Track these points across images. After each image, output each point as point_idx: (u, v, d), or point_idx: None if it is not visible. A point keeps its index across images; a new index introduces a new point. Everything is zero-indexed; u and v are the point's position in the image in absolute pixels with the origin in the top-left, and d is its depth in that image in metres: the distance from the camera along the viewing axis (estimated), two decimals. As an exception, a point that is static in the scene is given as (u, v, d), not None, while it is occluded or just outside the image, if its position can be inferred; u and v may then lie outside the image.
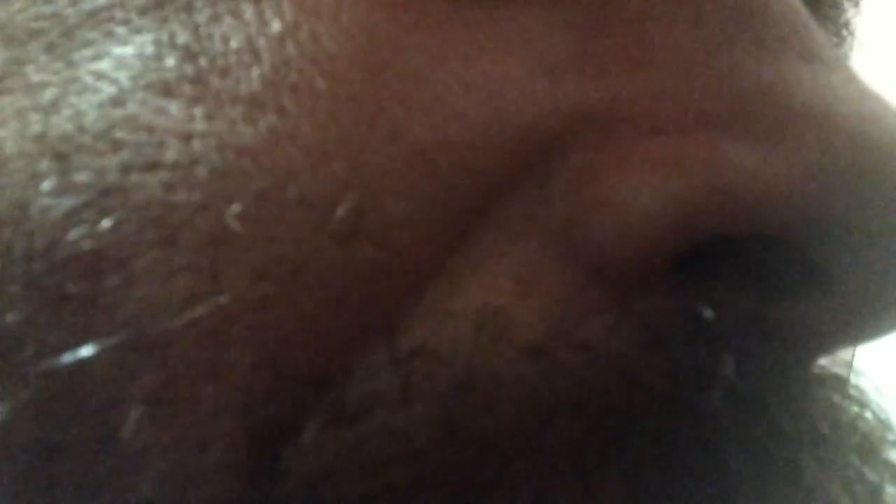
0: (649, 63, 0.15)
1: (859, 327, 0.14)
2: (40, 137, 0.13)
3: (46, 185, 0.13)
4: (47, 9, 0.14)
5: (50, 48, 0.14)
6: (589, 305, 0.13)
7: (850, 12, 0.22)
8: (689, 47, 0.15)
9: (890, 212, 0.13)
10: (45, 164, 0.13)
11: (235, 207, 0.12)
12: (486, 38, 0.14)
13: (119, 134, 0.13)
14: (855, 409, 0.15)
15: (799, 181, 0.13)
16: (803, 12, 0.15)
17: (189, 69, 0.13)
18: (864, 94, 0.14)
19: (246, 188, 0.13)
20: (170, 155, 0.13)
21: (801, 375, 0.14)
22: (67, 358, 0.12)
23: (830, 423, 0.14)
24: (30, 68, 0.14)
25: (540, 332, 0.13)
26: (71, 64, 0.14)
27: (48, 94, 0.14)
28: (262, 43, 0.13)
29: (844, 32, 0.22)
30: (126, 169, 0.13)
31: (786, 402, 0.14)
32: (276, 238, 0.13)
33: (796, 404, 0.14)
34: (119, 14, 0.14)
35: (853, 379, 0.15)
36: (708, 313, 0.14)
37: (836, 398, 0.15)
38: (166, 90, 0.13)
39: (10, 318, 0.13)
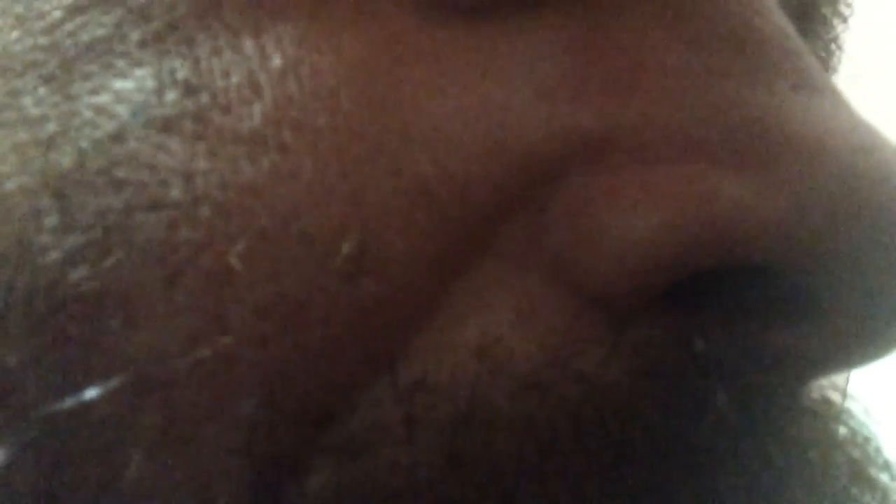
0: (643, 89, 0.15)
1: (850, 354, 0.14)
2: (40, 173, 0.13)
3: (48, 223, 0.13)
4: (45, 40, 0.14)
5: (48, 80, 0.14)
6: (584, 335, 0.14)
7: (839, 28, 0.22)
8: (683, 74, 0.15)
9: (879, 242, 0.13)
10: (45, 201, 0.13)
11: (238, 246, 0.13)
12: (483, 64, 0.15)
13: (120, 172, 0.13)
14: (844, 431, 0.15)
15: (791, 214, 0.13)
16: (794, 37, 0.16)
17: (190, 105, 0.13)
18: (855, 123, 0.14)
19: (249, 227, 0.13)
20: (172, 194, 0.13)
21: (792, 401, 0.14)
22: (69, 400, 0.12)
23: (820, 448, 0.15)
24: (27, 100, 0.14)
25: (538, 362, 0.13)
26: (70, 97, 0.14)
27: (47, 129, 0.14)
28: (263, 78, 0.13)
29: (833, 48, 0.22)
30: (128, 208, 0.13)
31: (776, 430, 0.14)
32: (278, 276, 0.13)
33: (787, 431, 0.14)
34: (118, 47, 0.14)
35: (843, 402, 0.15)
36: (700, 343, 0.14)
37: (827, 422, 0.15)
38: (167, 126, 0.13)
39: (11, 359, 0.13)
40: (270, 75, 0.14)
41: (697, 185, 0.14)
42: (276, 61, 0.14)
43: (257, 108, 0.13)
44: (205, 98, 0.13)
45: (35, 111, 0.14)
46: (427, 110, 0.14)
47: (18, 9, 0.15)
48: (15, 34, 0.15)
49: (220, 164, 0.13)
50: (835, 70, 0.23)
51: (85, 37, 0.14)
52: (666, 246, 0.14)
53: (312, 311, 0.13)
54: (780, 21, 0.16)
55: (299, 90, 0.13)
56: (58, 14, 0.14)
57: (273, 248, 0.13)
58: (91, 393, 0.12)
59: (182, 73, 0.14)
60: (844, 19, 0.22)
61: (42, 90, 0.14)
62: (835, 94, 0.15)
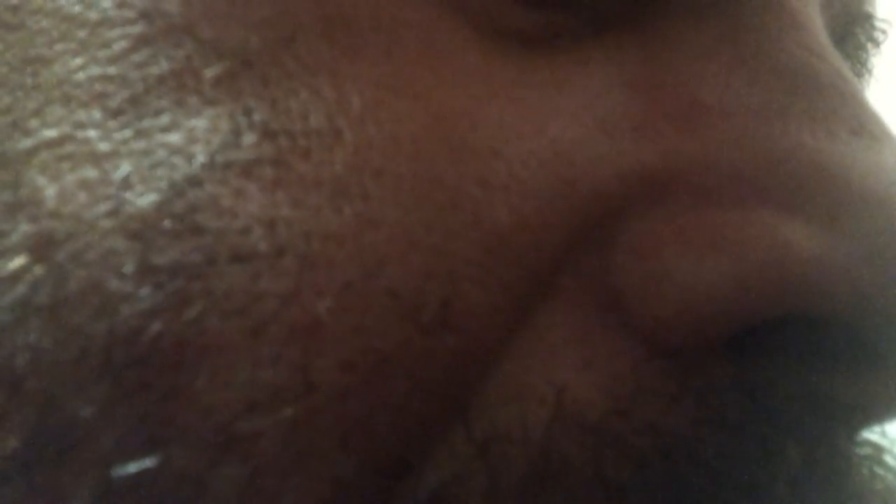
0: (704, 127, 0.15)
1: None
2: (113, 214, 0.13)
3: (126, 269, 0.13)
4: (112, 70, 0.14)
5: (116, 114, 0.14)
6: (648, 382, 0.14)
7: (872, 53, 0.22)
8: (743, 114, 0.15)
9: None
10: (121, 244, 0.13)
11: (325, 299, 0.12)
12: (552, 101, 0.14)
13: (200, 217, 0.13)
14: (891, 478, 0.16)
15: (860, 268, 0.14)
16: (851, 79, 0.16)
17: (269, 149, 0.13)
18: None
19: (334, 278, 0.13)
20: (255, 243, 0.13)
21: (852, 450, 0.15)
22: (147, 454, 0.12)
23: (868, 494, 0.15)
24: (93, 134, 0.14)
25: (604, 411, 0.14)
26: (141, 133, 0.13)
27: (119, 167, 0.13)
28: (342, 122, 0.13)
29: (864, 71, 0.22)
30: (211, 256, 0.12)
31: (839, 479, 0.14)
32: (364, 329, 0.13)
33: (847, 479, 0.15)
34: (190, 82, 0.13)
35: (888, 446, 0.16)
36: (764, 392, 0.14)
37: (874, 468, 0.15)
38: (247, 171, 0.13)
39: (86, 409, 0.12)
40: (350, 119, 0.13)
41: (768, 235, 0.14)
42: (355, 104, 0.13)
43: (338, 154, 0.13)
44: (284, 142, 0.13)
45: (104, 146, 0.13)
46: (505, 155, 0.14)
47: (81, 34, 0.14)
48: (77, 61, 0.14)
49: (302, 212, 0.13)
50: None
51: (154, 70, 0.14)
52: (735, 296, 0.14)
53: (395, 364, 0.13)
54: (837, 62, 0.16)
55: (379, 135, 0.13)
56: (124, 44, 0.14)
57: (359, 302, 0.13)
58: (170, 447, 0.12)
59: (259, 115, 0.13)
60: (878, 44, 0.22)
61: (111, 124, 0.13)
62: (892, 142, 0.15)
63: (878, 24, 0.21)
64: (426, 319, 0.13)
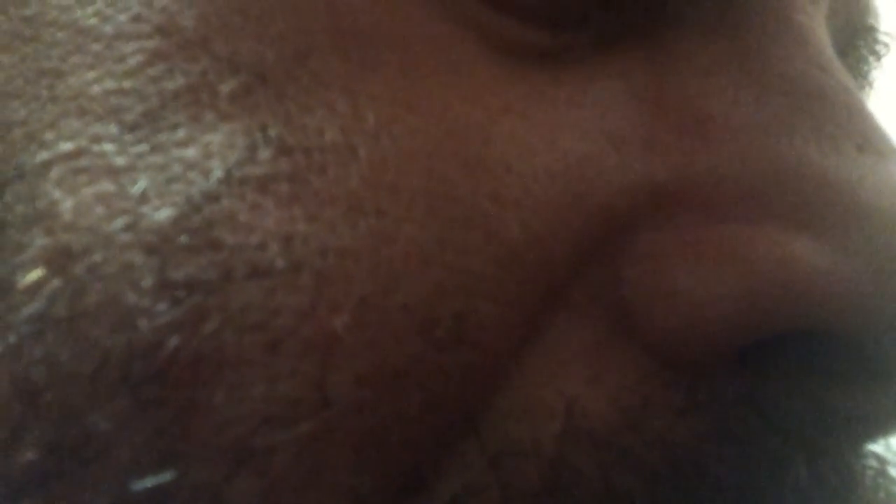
0: (712, 142, 0.15)
1: None
2: (130, 228, 0.13)
3: (144, 284, 0.13)
4: (127, 83, 0.14)
5: (133, 128, 0.14)
6: (656, 394, 0.14)
7: (873, 65, 0.23)
8: (751, 129, 0.15)
9: None
10: (138, 258, 0.13)
11: (341, 314, 0.13)
12: (563, 115, 0.15)
13: (217, 232, 0.13)
14: (895, 490, 0.16)
15: (866, 283, 0.14)
16: (857, 94, 0.16)
17: (285, 164, 0.13)
18: None
19: (350, 293, 0.13)
20: (271, 258, 0.13)
21: (857, 461, 0.15)
22: (164, 466, 0.12)
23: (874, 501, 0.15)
24: (109, 148, 0.14)
25: (612, 423, 0.14)
26: (157, 148, 0.13)
27: (136, 182, 0.13)
28: (357, 138, 0.13)
29: (865, 83, 0.23)
30: (227, 271, 0.13)
31: (844, 489, 0.15)
32: (379, 344, 0.13)
33: (853, 489, 0.15)
34: (205, 97, 0.14)
35: (893, 459, 0.16)
36: (771, 404, 0.14)
37: (879, 480, 0.16)
38: (263, 186, 0.13)
39: (104, 422, 0.12)
40: (365, 134, 0.13)
41: (775, 250, 0.14)
42: (370, 120, 0.13)
43: (353, 170, 0.13)
44: (299, 157, 0.13)
45: (120, 160, 0.13)
46: (517, 170, 0.14)
47: (96, 47, 0.14)
48: (93, 74, 0.14)
49: (318, 227, 0.13)
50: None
51: (170, 84, 0.14)
52: (743, 310, 0.14)
53: (409, 379, 0.13)
54: (843, 77, 0.16)
55: (394, 150, 0.13)
56: (140, 58, 0.14)
57: (374, 317, 0.13)
58: (187, 460, 0.12)
59: (275, 131, 0.13)
60: (879, 57, 0.22)
61: (127, 138, 0.14)
62: None
63: (880, 36, 0.22)
64: (440, 334, 0.13)
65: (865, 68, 0.22)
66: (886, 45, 0.22)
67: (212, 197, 0.13)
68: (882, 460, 0.16)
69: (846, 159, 0.15)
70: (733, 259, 0.14)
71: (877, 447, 0.16)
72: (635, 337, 0.14)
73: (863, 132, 0.15)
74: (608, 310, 0.14)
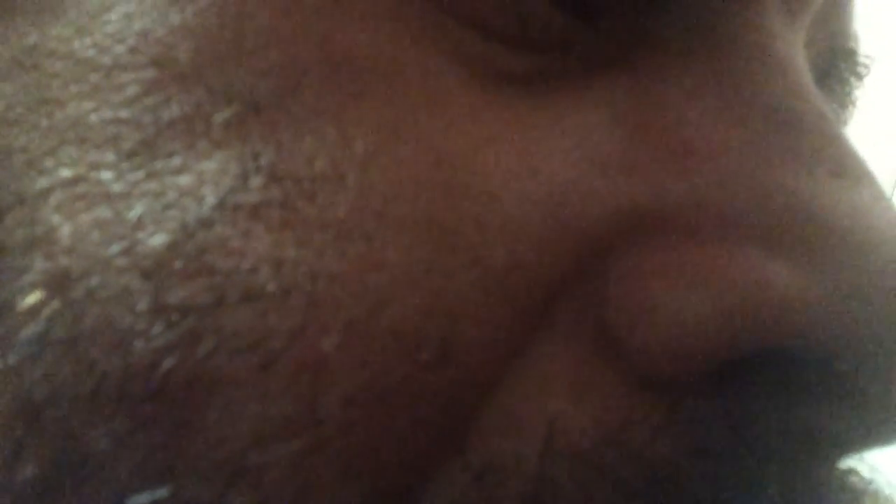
0: (692, 167, 0.15)
1: (882, 434, 0.15)
2: (127, 253, 0.14)
3: (139, 307, 0.13)
4: (124, 113, 0.14)
5: (129, 156, 0.14)
6: (636, 411, 0.14)
7: (855, 85, 0.23)
8: (729, 154, 0.16)
9: None
10: (134, 282, 0.13)
11: (330, 337, 0.13)
12: (547, 142, 0.15)
13: (210, 258, 0.13)
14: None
15: (836, 306, 0.14)
16: (832, 120, 0.16)
17: (276, 192, 0.14)
18: (893, 213, 0.15)
19: (338, 317, 0.13)
20: (263, 283, 0.13)
21: (829, 477, 0.16)
22: (160, 483, 0.13)
23: None
24: (107, 175, 0.14)
25: (595, 440, 0.14)
26: (153, 175, 0.14)
27: (132, 208, 0.14)
28: (346, 166, 0.14)
29: (847, 102, 0.23)
30: (220, 295, 0.13)
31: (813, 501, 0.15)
32: (367, 365, 0.13)
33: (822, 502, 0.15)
34: (200, 126, 0.14)
35: (867, 473, 0.17)
36: (747, 422, 0.15)
37: (857, 497, 0.16)
38: (254, 213, 0.14)
39: (102, 441, 0.13)
40: (353, 163, 0.14)
41: (750, 272, 0.14)
42: (359, 148, 0.14)
43: (342, 197, 0.14)
44: (290, 185, 0.14)
45: (117, 187, 0.14)
46: (500, 197, 0.14)
47: (95, 77, 0.15)
48: (91, 103, 0.15)
49: (308, 253, 0.13)
50: (846, 124, 0.24)
51: (166, 114, 0.14)
52: (719, 330, 0.14)
53: (397, 398, 0.13)
54: (820, 104, 0.16)
55: (382, 179, 0.14)
56: (137, 88, 0.14)
57: (362, 340, 0.13)
58: (182, 477, 0.13)
59: (266, 159, 0.14)
60: (861, 78, 0.23)
61: (124, 166, 0.14)
62: (872, 183, 0.16)
63: (861, 59, 0.22)
64: (426, 356, 0.13)
65: (847, 89, 0.23)
66: (867, 67, 0.23)
67: (205, 223, 0.13)
68: (860, 477, 0.16)
69: (820, 184, 0.15)
70: (710, 280, 0.15)
71: (862, 466, 0.17)
72: (617, 356, 0.15)
73: (837, 158, 0.16)
74: (591, 330, 0.15)
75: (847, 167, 0.16)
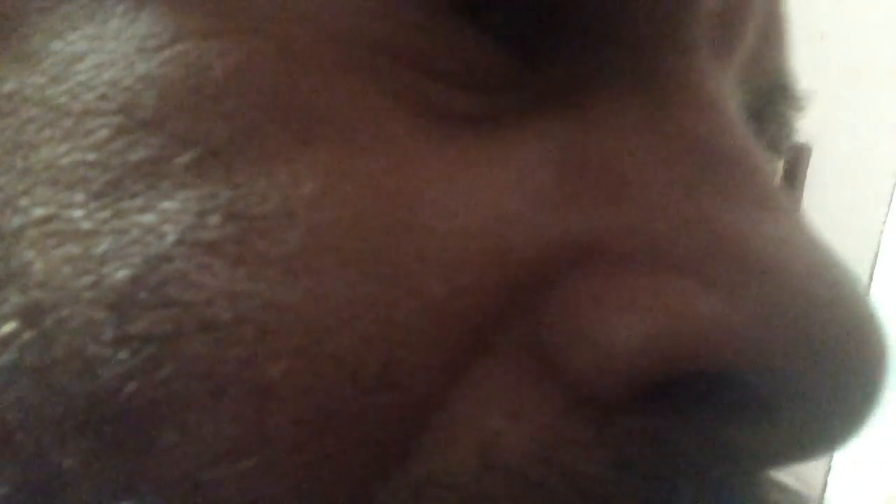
0: (625, 200, 0.17)
1: (800, 450, 0.17)
2: (94, 286, 0.15)
3: (104, 337, 0.14)
4: (93, 156, 0.16)
5: (98, 196, 0.15)
6: (569, 430, 0.16)
7: (793, 117, 0.24)
8: (660, 188, 0.17)
9: (826, 357, 0.16)
10: (101, 315, 0.14)
11: (279, 363, 0.14)
12: (489, 178, 0.16)
13: (170, 290, 0.14)
14: None
15: (755, 330, 0.15)
16: (756, 154, 0.18)
17: (231, 229, 0.15)
18: (811, 244, 0.17)
19: (287, 345, 0.14)
20: (218, 313, 0.14)
21: (751, 492, 0.17)
22: (124, 502, 0.14)
23: None
24: (77, 214, 0.15)
25: (531, 458, 0.15)
26: (119, 214, 0.15)
27: (100, 245, 0.15)
28: (296, 205, 0.15)
29: (788, 132, 0.25)
30: (178, 326, 0.14)
31: None
32: (313, 391, 0.14)
33: None
34: (163, 169, 0.15)
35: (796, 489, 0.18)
36: (672, 439, 0.16)
37: None
38: (212, 249, 0.15)
39: (68, 461, 0.14)
40: (302, 202, 0.15)
41: (675, 298, 0.16)
42: (308, 189, 0.15)
43: (292, 234, 0.15)
44: (244, 223, 0.15)
45: (86, 225, 0.15)
46: (439, 231, 0.16)
47: (67, 123, 0.16)
48: (63, 147, 0.16)
49: (260, 286, 0.15)
50: (781, 153, 0.26)
51: (132, 157, 0.15)
52: (647, 354, 0.16)
53: (341, 420, 0.14)
54: (744, 139, 0.18)
55: (329, 217, 0.15)
56: (105, 133, 0.16)
57: (309, 366, 0.14)
58: (144, 495, 0.14)
59: (223, 199, 0.15)
60: (799, 109, 0.24)
61: (92, 205, 0.15)
62: (791, 214, 0.17)
63: (796, 93, 0.24)
64: (367, 381, 0.15)
65: (783, 120, 0.24)
66: (803, 100, 0.24)
67: (166, 258, 0.15)
68: (787, 491, 0.18)
69: (744, 215, 0.16)
70: (637, 306, 0.16)
71: (781, 477, 0.18)
72: (553, 378, 0.16)
73: (759, 191, 0.17)
74: (529, 353, 0.16)
75: (768, 199, 0.17)
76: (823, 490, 0.77)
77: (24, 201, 0.16)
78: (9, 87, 0.17)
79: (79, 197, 0.15)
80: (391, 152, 0.16)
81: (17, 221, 0.16)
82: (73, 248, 0.15)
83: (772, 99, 0.23)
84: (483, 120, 0.17)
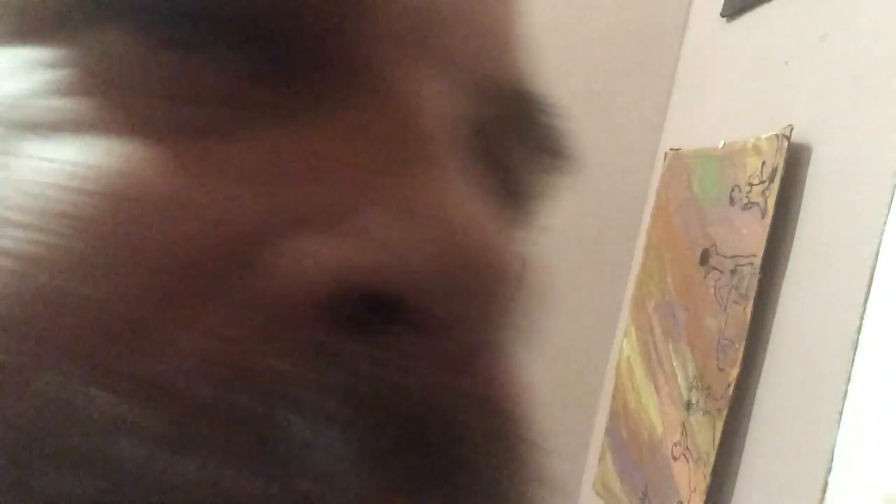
0: (327, 176, 0.22)
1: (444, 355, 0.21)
2: None
3: None
4: None
5: None
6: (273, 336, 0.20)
7: (545, 121, 0.28)
8: (358, 166, 0.22)
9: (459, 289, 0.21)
10: None
11: None
12: (218, 173, 0.21)
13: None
14: None
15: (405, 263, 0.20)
16: (437, 144, 0.23)
17: None
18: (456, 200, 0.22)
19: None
20: None
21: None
22: None
23: None
24: None
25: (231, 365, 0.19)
26: None
27: None
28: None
29: (556, 140, 0.29)
30: None
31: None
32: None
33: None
34: None
35: None
36: (347, 350, 0.20)
37: None
38: None
39: None
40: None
41: (333, 250, 0.20)
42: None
43: None
44: None
45: None
46: (175, 215, 0.20)
47: None
48: None
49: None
50: (559, 154, 0.30)
51: None
52: (320, 281, 0.20)
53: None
54: (426, 130, 0.23)
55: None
56: None
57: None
58: None
59: None
60: (549, 114, 0.29)
61: None
62: (454, 179, 0.22)
63: (540, 98, 0.28)
64: None
65: (535, 124, 0.28)
66: (551, 105, 0.28)
67: None
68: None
69: (406, 179, 0.22)
70: (313, 253, 0.20)
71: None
72: (266, 306, 0.20)
73: (426, 163, 0.22)
74: (243, 293, 0.20)
75: (435, 171, 0.22)
76: (823, 490, 0.77)
77: None
78: None
79: None
80: (150, 156, 0.21)
81: None
82: None
83: (521, 105, 0.27)
84: (219, 131, 0.22)
